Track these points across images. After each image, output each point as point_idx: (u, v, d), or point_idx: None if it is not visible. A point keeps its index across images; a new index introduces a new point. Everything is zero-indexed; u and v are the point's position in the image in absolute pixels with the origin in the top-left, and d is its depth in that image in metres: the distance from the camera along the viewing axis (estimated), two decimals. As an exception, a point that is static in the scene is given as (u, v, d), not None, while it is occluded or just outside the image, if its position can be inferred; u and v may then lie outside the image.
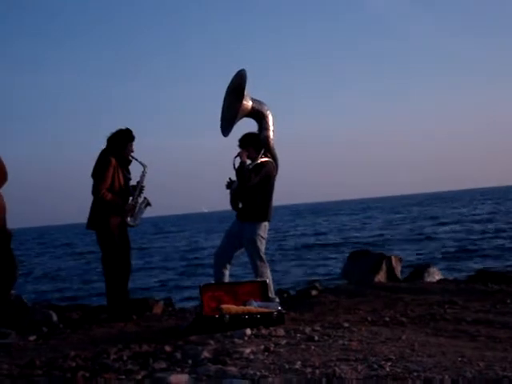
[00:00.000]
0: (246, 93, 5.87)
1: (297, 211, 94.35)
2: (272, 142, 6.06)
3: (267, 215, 5.94)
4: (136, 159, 6.12)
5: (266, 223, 5.94)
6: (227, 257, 6.01)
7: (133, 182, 6.18)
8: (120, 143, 5.99)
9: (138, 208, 6.14)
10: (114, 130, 6.04)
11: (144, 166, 6.15)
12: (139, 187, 6.16)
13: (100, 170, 5.91)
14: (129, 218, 6.06)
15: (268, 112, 6.07)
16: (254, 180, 5.79)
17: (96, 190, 5.89)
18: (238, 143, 5.97)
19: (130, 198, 6.11)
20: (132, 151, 6.08)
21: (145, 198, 6.22)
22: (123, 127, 6.04)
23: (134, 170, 6.22)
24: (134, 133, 6.07)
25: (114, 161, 5.92)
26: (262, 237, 5.89)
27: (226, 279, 5.93)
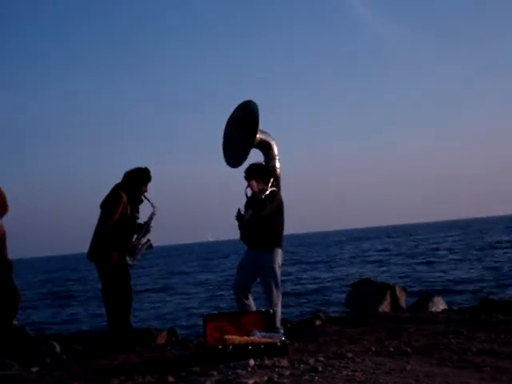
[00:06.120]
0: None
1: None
2: (279, 171, 6.11)
3: (281, 242, 5.95)
4: (148, 200, 6.14)
5: (281, 250, 5.94)
6: (246, 288, 5.97)
7: (140, 221, 6.18)
8: (135, 182, 6.02)
9: (139, 248, 6.12)
10: (133, 167, 6.07)
11: (154, 207, 6.16)
12: (145, 228, 6.17)
13: (110, 205, 5.93)
14: (128, 257, 6.06)
15: (273, 142, 6.12)
16: (269, 209, 5.80)
17: (103, 223, 5.92)
18: (244, 174, 5.94)
19: (135, 237, 6.13)
20: (145, 191, 6.11)
21: (148, 240, 6.20)
22: (142, 166, 6.07)
23: (144, 209, 6.21)
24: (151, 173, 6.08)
25: (125, 197, 5.94)
26: (279, 264, 5.89)
27: (253, 307, 5.87)
